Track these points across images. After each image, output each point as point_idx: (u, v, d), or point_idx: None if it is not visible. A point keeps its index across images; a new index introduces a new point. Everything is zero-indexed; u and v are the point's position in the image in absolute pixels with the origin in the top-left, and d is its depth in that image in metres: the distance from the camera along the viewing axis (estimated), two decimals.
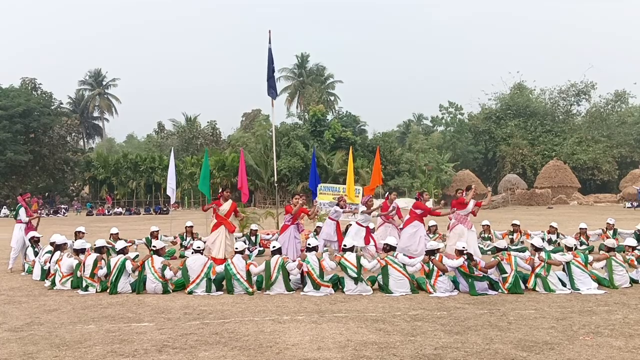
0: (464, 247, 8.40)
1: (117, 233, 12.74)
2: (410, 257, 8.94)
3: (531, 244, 8.98)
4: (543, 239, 12.95)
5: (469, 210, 10.79)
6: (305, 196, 15.01)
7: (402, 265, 8.32)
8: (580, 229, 13.06)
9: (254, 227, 13.89)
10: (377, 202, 12.22)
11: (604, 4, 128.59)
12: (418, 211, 11.13)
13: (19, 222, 11.34)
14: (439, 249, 8.71)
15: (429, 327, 6.20)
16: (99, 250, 9.06)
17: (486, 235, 13.50)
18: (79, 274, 8.77)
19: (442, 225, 13.36)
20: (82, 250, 9.10)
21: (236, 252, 8.77)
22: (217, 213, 10.94)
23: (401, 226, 11.59)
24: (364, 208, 11.41)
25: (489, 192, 11.31)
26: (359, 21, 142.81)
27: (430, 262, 8.32)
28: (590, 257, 8.80)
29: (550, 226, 13.32)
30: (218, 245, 10.64)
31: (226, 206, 11.00)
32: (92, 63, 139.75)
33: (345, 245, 8.76)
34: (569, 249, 8.75)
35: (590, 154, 49.76)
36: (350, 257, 8.37)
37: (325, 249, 11.30)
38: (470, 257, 8.26)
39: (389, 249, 8.61)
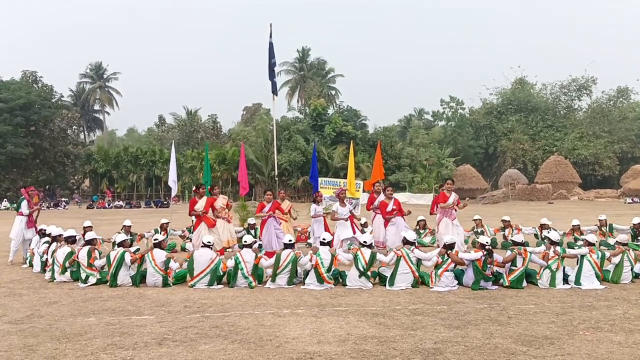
0: (487, 242, 8.32)
1: (130, 226, 12.66)
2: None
3: (548, 237, 8.94)
4: (536, 235, 12.94)
5: (450, 203, 11.03)
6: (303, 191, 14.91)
7: (415, 260, 8.30)
8: (572, 225, 12.97)
9: (251, 221, 13.89)
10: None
11: (606, 1, 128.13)
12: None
13: (20, 214, 11.35)
14: (454, 243, 8.66)
15: (429, 321, 6.20)
16: (89, 242, 9.09)
17: (479, 230, 13.44)
18: (67, 263, 8.79)
19: (431, 220, 13.25)
20: (91, 241, 9.14)
21: (245, 246, 8.77)
22: (196, 211, 11.18)
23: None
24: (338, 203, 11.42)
25: (467, 203, 11.56)
26: (358, 20, 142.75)
27: (446, 255, 8.28)
28: (607, 253, 8.73)
29: (541, 224, 13.16)
30: (196, 239, 10.88)
31: (201, 203, 11.23)
32: (92, 58, 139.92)
33: (365, 242, 8.67)
34: (590, 244, 8.73)
35: (591, 149, 49.71)
36: (366, 252, 8.36)
37: (350, 243, 11.05)
38: (490, 253, 8.17)
39: (406, 242, 8.58)
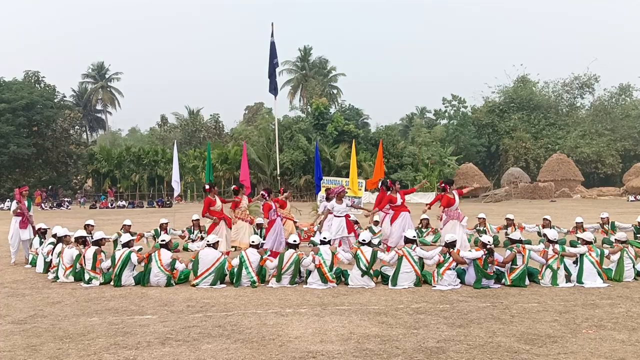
0: (489, 241, 8.29)
1: (130, 225, 12.67)
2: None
3: (545, 235, 8.93)
4: (538, 233, 12.88)
5: (457, 205, 10.67)
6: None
7: (417, 259, 8.30)
8: (576, 223, 12.90)
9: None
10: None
11: (606, 1, 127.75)
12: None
13: (19, 214, 11.37)
14: (455, 241, 8.64)
15: (432, 320, 6.20)
16: (97, 242, 9.09)
17: (481, 228, 13.41)
18: (78, 265, 8.79)
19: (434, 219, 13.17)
20: (98, 242, 9.15)
21: (251, 246, 8.74)
22: (213, 210, 11.09)
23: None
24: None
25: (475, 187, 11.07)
26: (359, 20, 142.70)
27: (447, 254, 8.26)
28: (606, 251, 8.71)
29: (544, 219, 13.14)
30: (223, 241, 10.66)
31: (219, 203, 11.24)
32: (94, 58, 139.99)
33: (364, 240, 8.56)
34: (587, 242, 8.69)
35: (594, 147, 49.58)
36: (366, 250, 8.36)
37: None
38: (490, 252, 8.14)
39: (407, 240, 8.57)
